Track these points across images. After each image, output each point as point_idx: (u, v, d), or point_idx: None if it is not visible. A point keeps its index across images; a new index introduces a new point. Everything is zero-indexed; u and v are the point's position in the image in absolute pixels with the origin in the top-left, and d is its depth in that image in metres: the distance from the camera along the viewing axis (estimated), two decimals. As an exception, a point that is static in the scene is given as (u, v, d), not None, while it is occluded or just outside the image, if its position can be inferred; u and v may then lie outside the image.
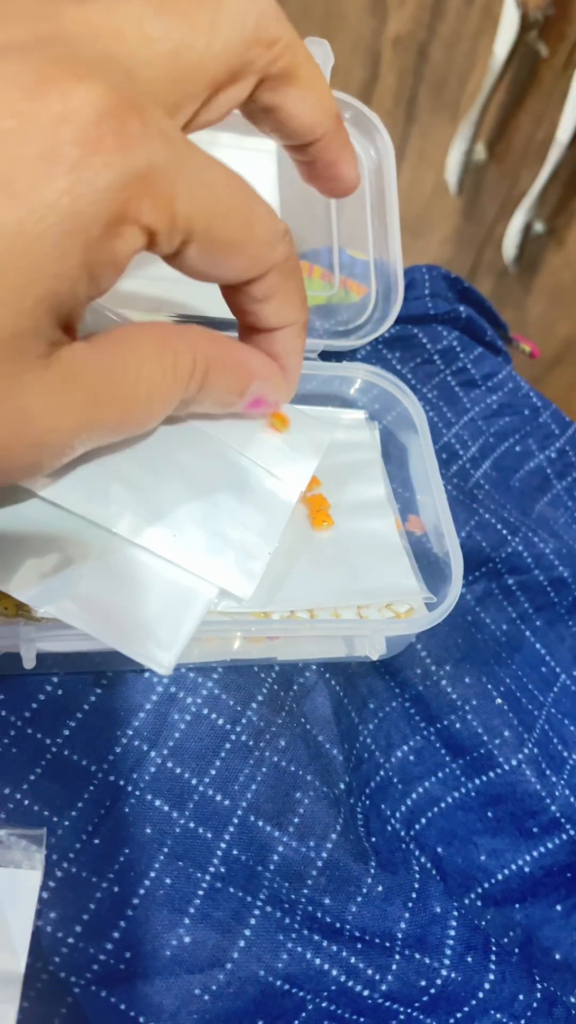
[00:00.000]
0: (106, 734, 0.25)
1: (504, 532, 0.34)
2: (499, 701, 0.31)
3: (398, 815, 0.30)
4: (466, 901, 0.29)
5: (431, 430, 0.35)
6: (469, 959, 0.26)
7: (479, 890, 0.30)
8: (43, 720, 0.25)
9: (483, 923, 0.29)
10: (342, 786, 0.28)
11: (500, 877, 0.30)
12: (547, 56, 0.58)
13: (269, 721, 0.27)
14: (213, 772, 0.25)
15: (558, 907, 0.30)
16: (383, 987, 0.25)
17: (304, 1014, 0.25)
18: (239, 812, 0.25)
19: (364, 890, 0.26)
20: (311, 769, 0.27)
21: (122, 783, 0.25)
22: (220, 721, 0.26)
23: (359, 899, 0.26)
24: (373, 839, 0.28)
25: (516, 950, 0.29)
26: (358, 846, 0.27)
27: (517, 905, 0.30)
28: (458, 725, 0.30)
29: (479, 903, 0.30)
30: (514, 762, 0.30)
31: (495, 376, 0.37)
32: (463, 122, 0.63)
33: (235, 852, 0.25)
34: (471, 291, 0.40)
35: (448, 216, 0.71)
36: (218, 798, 0.25)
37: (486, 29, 0.61)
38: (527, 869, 0.30)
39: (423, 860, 0.29)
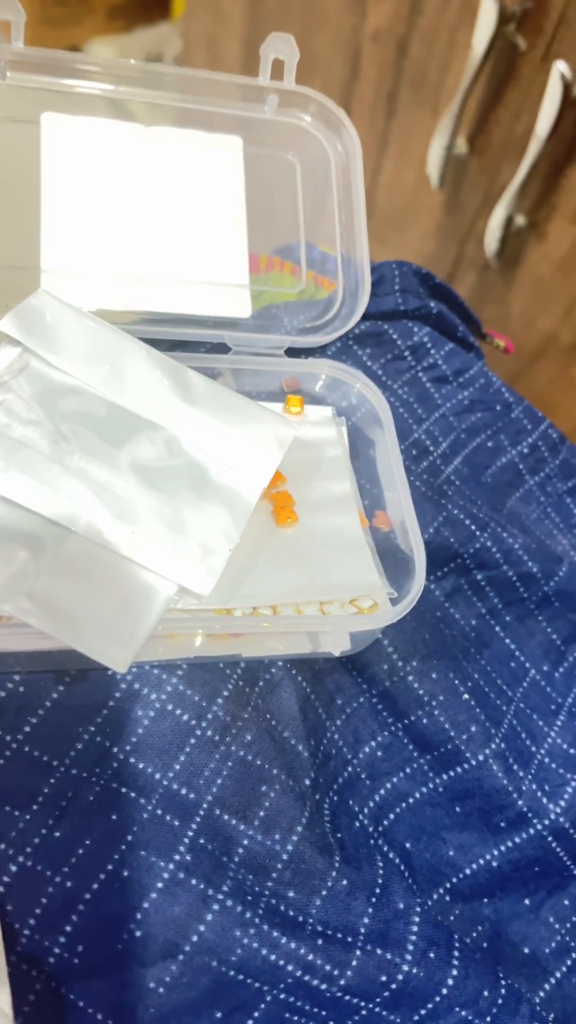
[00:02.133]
0: (68, 730, 0.25)
1: (473, 528, 0.34)
2: (466, 697, 0.31)
3: (366, 811, 0.30)
4: (434, 896, 0.29)
5: (401, 426, 0.35)
6: (431, 955, 0.26)
7: (447, 885, 0.30)
8: (3, 717, 0.25)
9: (451, 918, 0.29)
10: (307, 781, 0.28)
11: (468, 872, 0.30)
12: (525, 50, 0.58)
13: (235, 716, 0.27)
14: (177, 767, 0.25)
15: (526, 901, 0.30)
16: (341, 982, 0.25)
17: (263, 1005, 0.25)
18: (204, 806, 0.25)
19: (328, 883, 0.26)
20: (277, 763, 0.27)
21: (85, 775, 0.25)
22: (185, 717, 0.26)
23: (323, 892, 0.26)
24: (340, 834, 0.28)
25: (484, 945, 0.29)
26: (323, 840, 0.27)
27: (485, 900, 0.30)
28: (425, 720, 0.30)
29: (447, 898, 0.30)
30: (481, 757, 0.30)
31: (466, 372, 0.37)
32: (443, 116, 0.63)
33: (202, 841, 0.25)
34: (443, 287, 0.40)
35: (430, 210, 0.71)
36: (183, 792, 0.25)
37: (465, 23, 0.60)
38: (495, 864, 0.30)
39: (391, 855, 0.29)
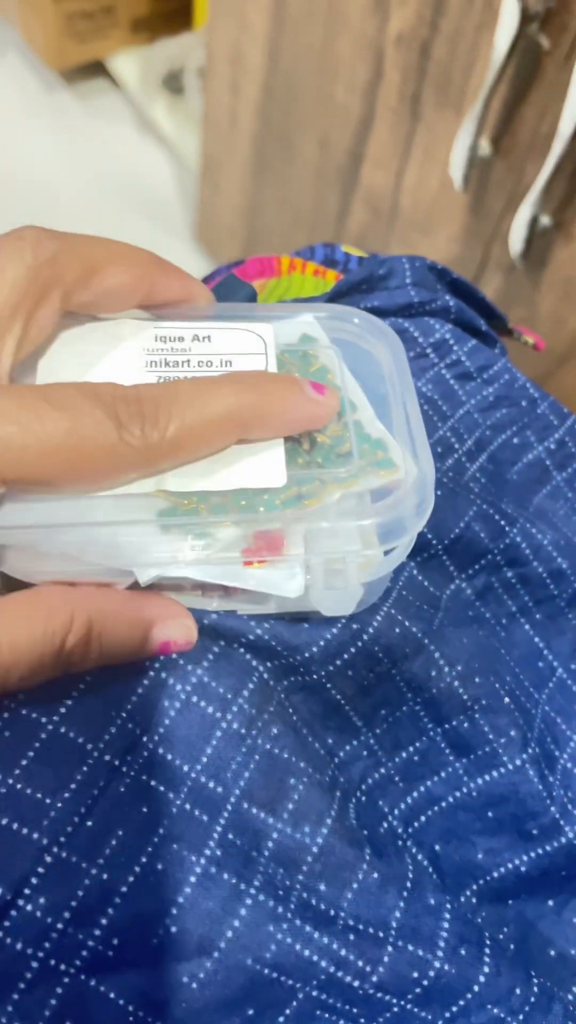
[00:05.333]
0: (103, 714, 0.25)
1: (503, 523, 0.33)
2: (507, 700, 0.31)
3: (396, 812, 0.30)
4: (461, 898, 0.29)
5: (427, 423, 0.34)
6: (463, 951, 0.26)
7: (474, 887, 0.29)
8: (37, 696, 0.25)
9: (479, 920, 0.29)
10: (328, 777, 0.27)
11: (496, 875, 0.30)
12: (549, 49, 0.57)
13: (260, 709, 0.26)
14: (204, 760, 0.25)
15: (550, 902, 0.30)
16: (374, 978, 0.25)
17: (295, 1003, 0.25)
18: (232, 800, 0.25)
19: (360, 876, 0.26)
20: (303, 757, 0.27)
21: (116, 763, 0.25)
22: (210, 709, 0.26)
23: (355, 885, 0.25)
24: (366, 831, 0.28)
25: (512, 946, 0.29)
26: (353, 834, 0.27)
27: (511, 901, 0.29)
28: (466, 725, 0.30)
29: (474, 900, 0.29)
30: (518, 762, 0.30)
31: (491, 368, 0.37)
32: (467, 117, 0.62)
33: (231, 836, 0.25)
34: (461, 283, 0.39)
35: (455, 212, 0.71)
36: (211, 785, 0.25)
37: (487, 24, 0.60)
38: (523, 868, 0.30)
39: (419, 856, 0.29)
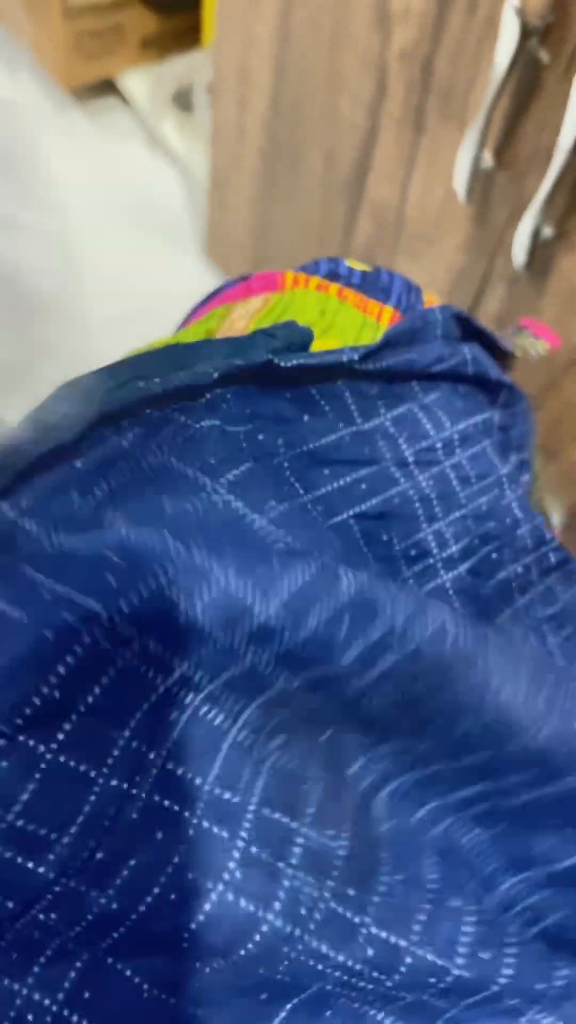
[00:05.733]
0: (104, 736, 0.25)
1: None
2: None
3: (444, 806, 0.29)
4: (500, 889, 0.28)
5: (407, 525, 0.34)
6: (483, 956, 0.26)
7: (507, 884, 0.29)
8: (33, 726, 0.24)
9: (507, 915, 0.28)
10: (353, 769, 0.27)
11: (550, 871, 0.29)
12: (548, 63, 0.58)
13: (269, 719, 0.26)
14: (216, 771, 0.25)
15: None
16: (388, 984, 0.25)
17: (309, 991, 0.25)
18: (251, 807, 0.25)
19: (384, 879, 0.26)
20: (316, 762, 0.27)
21: (125, 787, 0.24)
22: (217, 721, 0.26)
23: (381, 889, 0.25)
24: (386, 826, 0.28)
25: (545, 941, 0.28)
26: (375, 838, 0.27)
27: (556, 889, 0.29)
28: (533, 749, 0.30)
29: (512, 892, 0.29)
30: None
31: (487, 478, 0.37)
32: (469, 130, 0.63)
33: (254, 850, 0.25)
34: (479, 329, 0.40)
35: (459, 224, 0.72)
36: (226, 796, 0.25)
37: (488, 38, 0.61)
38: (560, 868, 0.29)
39: (451, 855, 0.29)
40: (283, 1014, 0.24)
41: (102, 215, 1.28)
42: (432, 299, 0.45)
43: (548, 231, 0.63)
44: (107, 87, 1.39)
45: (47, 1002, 0.22)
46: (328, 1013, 0.25)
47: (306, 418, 0.34)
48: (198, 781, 0.25)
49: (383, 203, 0.80)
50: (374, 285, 0.43)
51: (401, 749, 0.28)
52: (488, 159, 0.66)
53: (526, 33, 0.58)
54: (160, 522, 0.26)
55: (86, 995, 0.23)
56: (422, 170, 0.73)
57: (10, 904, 0.23)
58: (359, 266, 0.44)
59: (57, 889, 0.23)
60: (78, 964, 0.23)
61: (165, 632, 0.24)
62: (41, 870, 0.23)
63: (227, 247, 1.13)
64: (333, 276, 0.44)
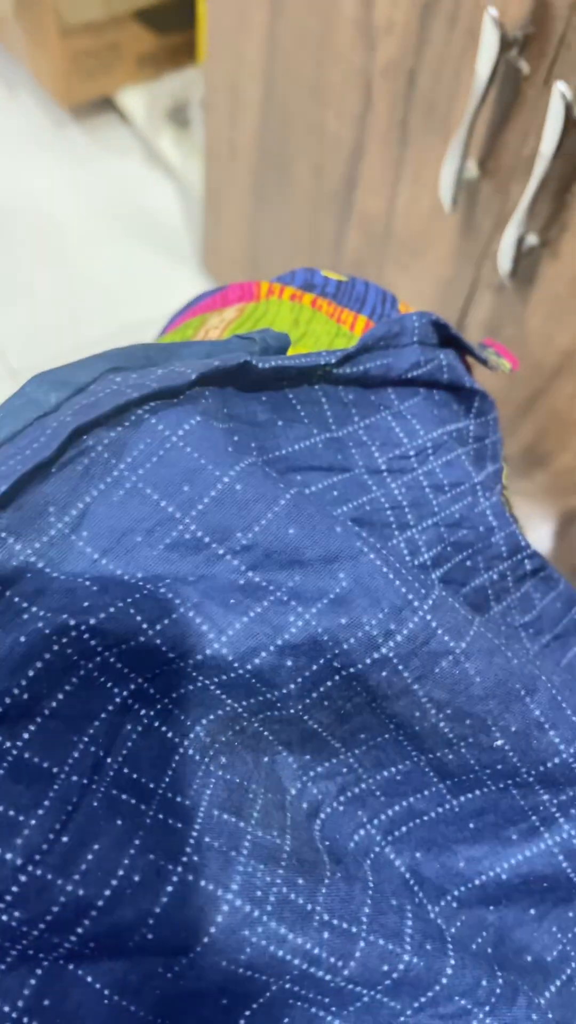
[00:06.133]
0: (65, 740, 0.26)
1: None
2: (500, 743, 0.30)
3: (376, 822, 0.30)
4: (441, 903, 0.30)
5: (383, 531, 0.34)
6: (428, 946, 0.26)
7: (456, 892, 0.30)
8: (3, 725, 0.26)
9: (457, 924, 0.29)
10: (293, 791, 0.28)
11: (477, 883, 0.30)
12: (528, 73, 0.59)
13: (215, 738, 0.27)
14: (167, 780, 0.26)
15: (532, 911, 0.30)
16: (345, 972, 0.26)
17: (268, 994, 0.26)
18: (202, 809, 0.26)
19: (327, 874, 0.26)
20: (256, 780, 0.28)
21: (86, 781, 0.25)
22: (170, 734, 0.26)
23: (326, 881, 0.26)
24: (327, 842, 0.28)
25: (488, 950, 0.29)
26: (312, 844, 0.27)
27: (491, 907, 0.30)
28: (451, 756, 0.31)
29: (454, 904, 0.30)
30: (501, 785, 0.30)
31: (460, 485, 0.37)
32: (452, 141, 0.64)
33: (207, 839, 0.25)
34: (455, 337, 0.40)
35: (445, 234, 0.72)
36: (178, 799, 0.26)
37: (469, 50, 0.62)
38: (504, 876, 0.30)
39: (397, 864, 0.30)
40: (242, 1022, 0.25)
41: (101, 228, 1.29)
42: (407, 308, 0.45)
43: (532, 239, 0.64)
44: (105, 104, 1.41)
45: (7, 1009, 0.23)
46: (286, 1021, 0.25)
47: (280, 423, 0.34)
48: (151, 785, 0.26)
49: (371, 215, 0.80)
50: (348, 295, 0.43)
51: (334, 770, 0.29)
52: (472, 169, 0.66)
53: (506, 44, 0.58)
54: (129, 552, 0.27)
55: (46, 1002, 0.23)
56: (408, 182, 0.74)
57: None
58: (335, 276, 0.45)
59: (23, 878, 0.23)
60: (38, 971, 0.23)
61: (126, 650, 0.26)
62: (8, 856, 0.23)
63: (223, 260, 1.14)
64: (308, 286, 0.44)
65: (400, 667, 0.28)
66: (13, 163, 1.34)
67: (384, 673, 0.28)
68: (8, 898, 0.23)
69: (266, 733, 0.28)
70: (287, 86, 0.82)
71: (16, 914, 0.23)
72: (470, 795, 0.30)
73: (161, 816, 0.25)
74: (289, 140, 0.86)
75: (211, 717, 0.27)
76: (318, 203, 0.87)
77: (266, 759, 0.28)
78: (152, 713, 0.26)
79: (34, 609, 0.25)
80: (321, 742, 0.30)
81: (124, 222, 1.30)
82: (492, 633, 0.30)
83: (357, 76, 0.73)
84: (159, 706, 0.27)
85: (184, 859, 0.25)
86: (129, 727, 0.26)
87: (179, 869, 0.25)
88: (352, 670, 0.28)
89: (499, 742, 0.30)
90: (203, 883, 0.25)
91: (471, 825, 0.30)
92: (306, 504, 0.28)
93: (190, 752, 0.26)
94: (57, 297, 1.21)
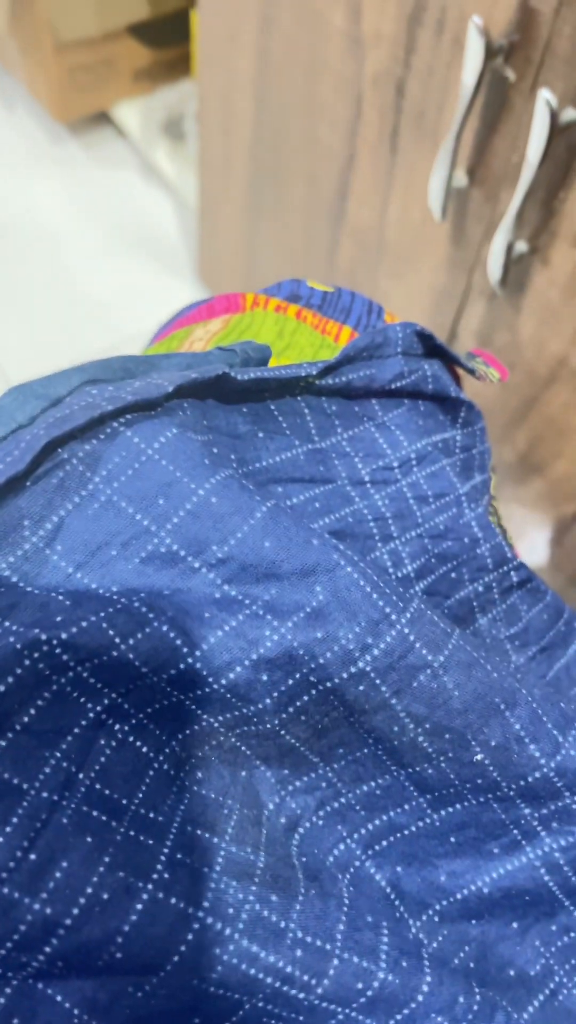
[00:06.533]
0: (36, 755, 0.25)
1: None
2: (479, 757, 0.30)
3: (356, 836, 0.30)
4: (423, 918, 0.29)
5: (365, 542, 0.34)
6: (404, 963, 0.26)
7: (437, 907, 0.30)
8: None
9: (439, 939, 0.29)
10: (271, 806, 0.28)
11: (459, 896, 0.30)
12: (514, 81, 0.59)
13: (191, 753, 0.27)
14: (140, 795, 0.26)
15: (514, 924, 0.30)
16: (319, 990, 0.25)
17: (241, 1012, 0.25)
18: (175, 826, 0.26)
19: (302, 891, 0.26)
20: (232, 795, 0.27)
21: (56, 798, 0.25)
22: (144, 748, 0.26)
23: (300, 898, 0.26)
24: (304, 858, 0.28)
25: (471, 965, 0.29)
26: (287, 860, 0.27)
27: (474, 921, 0.30)
28: (431, 771, 0.30)
29: (436, 919, 0.30)
30: (483, 799, 0.30)
31: (445, 496, 0.37)
32: (440, 150, 0.64)
33: (179, 856, 0.25)
34: (439, 347, 0.40)
35: (437, 243, 0.72)
36: (151, 815, 0.26)
37: (456, 59, 0.62)
38: (486, 890, 0.30)
39: (378, 878, 0.29)
40: None
41: (99, 241, 1.29)
42: (393, 319, 0.45)
43: (522, 247, 0.64)
44: (101, 118, 1.42)
45: None
46: None
47: (261, 435, 0.34)
48: (124, 801, 0.25)
49: (364, 225, 0.80)
50: (334, 306, 0.43)
51: (313, 784, 0.29)
52: (461, 178, 0.66)
53: (492, 52, 0.58)
54: (104, 565, 0.27)
55: (15, 1021, 0.23)
56: (399, 192, 0.74)
57: None
58: (321, 287, 0.45)
59: None
60: (7, 989, 0.23)
61: (99, 664, 0.25)
62: None
63: (219, 271, 1.14)
64: (294, 298, 0.44)
65: (377, 681, 0.27)
66: (10, 178, 1.35)
67: (361, 687, 0.28)
68: None
69: (243, 747, 0.28)
70: (279, 98, 0.83)
71: None
72: (451, 809, 0.30)
73: (132, 832, 0.25)
74: (282, 151, 0.87)
75: (187, 732, 0.27)
76: (311, 213, 0.87)
77: (243, 773, 0.28)
78: (127, 728, 0.26)
79: (7, 624, 0.24)
80: (299, 756, 0.29)
81: (121, 235, 1.31)
82: (471, 646, 0.29)
83: (347, 87, 0.73)
84: (134, 721, 0.26)
85: (155, 876, 0.25)
86: (103, 742, 0.26)
87: (149, 887, 0.24)
88: (329, 684, 0.27)
89: (479, 756, 0.29)
90: (173, 900, 0.25)
91: (452, 839, 0.30)
92: (283, 517, 0.28)
93: (165, 767, 0.26)
94: (55, 310, 1.21)
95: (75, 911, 0.24)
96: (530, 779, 0.29)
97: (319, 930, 0.25)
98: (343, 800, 0.30)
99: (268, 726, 0.28)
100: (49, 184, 1.36)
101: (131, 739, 0.26)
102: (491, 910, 0.29)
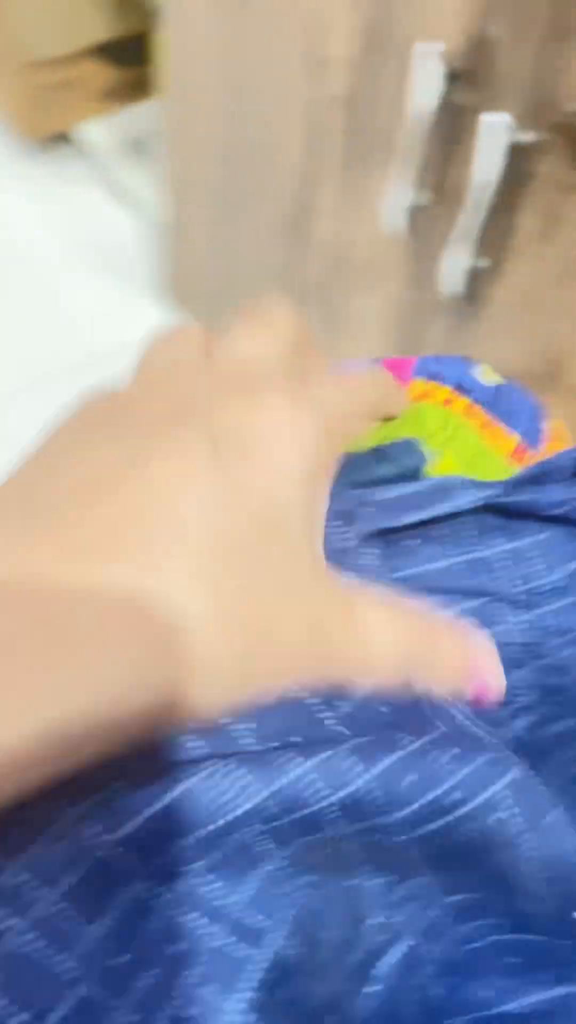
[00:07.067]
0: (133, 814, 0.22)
1: None
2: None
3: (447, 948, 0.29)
4: None
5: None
6: None
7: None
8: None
9: None
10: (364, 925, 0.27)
11: (493, 1012, 0.28)
12: (470, 104, 0.60)
13: (312, 852, 0.25)
14: (252, 892, 0.24)
15: None
16: None
17: None
18: (278, 935, 0.24)
19: None
20: (335, 908, 0.26)
21: (154, 885, 0.22)
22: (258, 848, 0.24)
23: None
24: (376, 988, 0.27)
25: None
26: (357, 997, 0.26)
27: None
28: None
29: None
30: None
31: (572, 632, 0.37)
32: (400, 169, 0.66)
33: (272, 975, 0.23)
34: None
35: (399, 259, 0.74)
36: (259, 917, 0.24)
37: (415, 82, 0.64)
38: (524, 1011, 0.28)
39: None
40: None
41: (64, 261, 1.30)
42: (558, 426, 0.43)
43: (481, 263, 0.65)
44: (66, 137, 1.42)
45: None
46: None
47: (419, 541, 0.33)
48: (233, 899, 0.23)
49: (329, 242, 0.82)
50: (501, 405, 0.41)
51: (422, 906, 0.28)
52: (420, 195, 0.68)
53: (448, 76, 0.60)
54: None
55: None
56: (360, 209, 0.75)
57: (25, 1016, 0.20)
58: (490, 377, 0.42)
59: (75, 995, 0.21)
60: None
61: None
62: (68, 965, 0.21)
63: (187, 289, 1.16)
64: (461, 389, 0.41)
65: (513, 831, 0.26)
66: (-23, 197, 1.36)
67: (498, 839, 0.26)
68: (55, 1017, 0.21)
69: (355, 847, 0.26)
70: (242, 118, 0.84)
71: None
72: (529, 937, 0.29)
73: (230, 937, 0.23)
74: (246, 170, 0.88)
75: (308, 839, 0.25)
76: (277, 231, 0.89)
77: (348, 883, 0.26)
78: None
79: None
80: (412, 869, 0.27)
81: (86, 253, 1.32)
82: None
83: (308, 107, 0.74)
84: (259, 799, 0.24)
85: (249, 993, 0.23)
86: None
87: (241, 1006, 0.22)
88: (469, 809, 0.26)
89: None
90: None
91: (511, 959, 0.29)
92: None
93: (278, 866, 0.24)
94: (22, 327, 1.22)
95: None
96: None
97: None
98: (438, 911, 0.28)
99: (390, 841, 0.26)
100: (15, 201, 1.36)
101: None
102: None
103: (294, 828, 0.24)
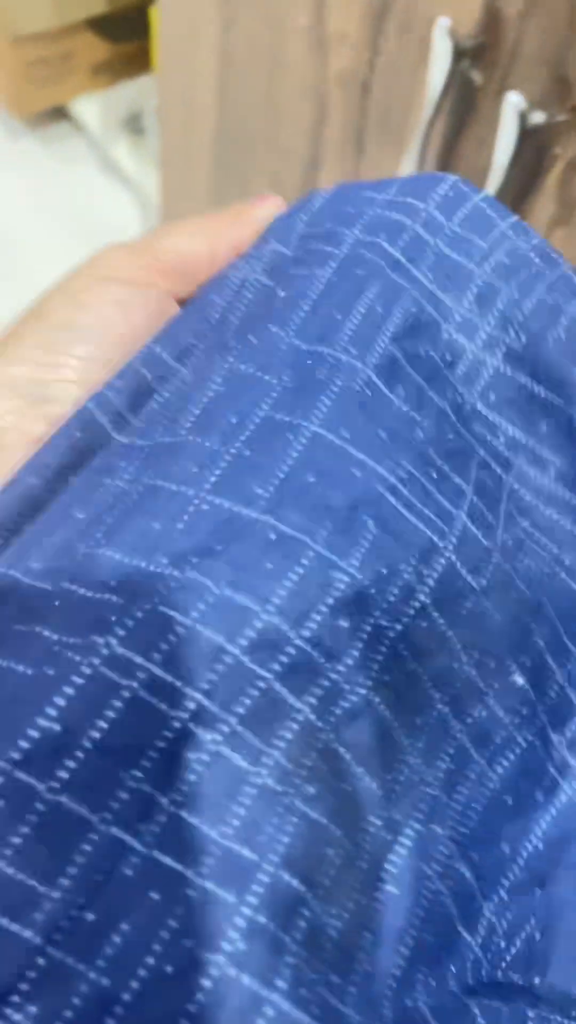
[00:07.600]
0: (112, 776, 0.21)
1: None
2: (519, 680, 0.27)
3: (448, 835, 0.27)
4: (495, 899, 0.26)
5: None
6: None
7: (505, 883, 0.26)
8: (35, 762, 0.21)
9: (507, 918, 0.26)
10: (367, 837, 0.25)
11: (520, 862, 0.26)
12: (481, 84, 0.58)
13: (298, 762, 0.23)
14: (236, 822, 0.22)
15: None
16: None
17: None
18: (268, 868, 0.22)
19: (358, 965, 0.24)
20: (340, 821, 0.24)
21: (125, 837, 0.21)
22: (240, 761, 0.22)
23: (355, 978, 0.23)
24: (408, 878, 0.26)
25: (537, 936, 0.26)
26: (377, 912, 0.25)
27: (538, 890, 0.26)
28: (484, 713, 0.27)
29: (506, 897, 0.26)
30: (529, 738, 0.28)
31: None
32: (408, 151, 0.63)
33: (261, 919, 0.21)
34: None
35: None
36: (244, 852, 0.22)
37: (423, 60, 0.61)
38: (541, 847, 0.26)
39: (464, 872, 0.27)
40: None
41: (58, 238, 1.27)
42: None
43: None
44: (59, 113, 1.39)
45: None
46: None
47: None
48: (214, 833, 0.22)
49: (330, 224, 0.80)
50: None
51: (409, 781, 0.26)
52: (428, 179, 0.66)
53: (459, 54, 0.58)
54: (149, 547, 0.23)
55: None
56: (366, 191, 0.73)
57: None
58: None
59: (41, 961, 0.20)
60: None
61: (168, 653, 0.22)
62: (27, 934, 0.20)
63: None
64: None
65: (435, 614, 0.25)
66: (-33, 174, 1.33)
67: (424, 624, 0.25)
68: (23, 987, 0.20)
69: (340, 749, 0.25)
70: (240, 96, 0.82)
71: (32, 1010, 0.20)
72: (505, 763, 0.27)
73: (210, 886, 0.21)
74: (245, 150, 0.86)
75: (288, 735, 0.23)
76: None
77: (347, 787, 0.25)
78: (219, 738, 0.22)
79: (62, 638, 0.22)
80: (393, 742, 0.26)
81: (80, 231, 1.29)
82: (507, 558, 0.27)
83: (311, 86, 0.72)
84: (225, 727, 0.22)
85: (228, 947, 0.21)
86: (190, 756, 0.22)
87: (220, 959, 0.21)
88: (399, 627, 0.25)
89: (520, 681, 0.27)
90: (246, 980, 0.21)
91: (510, 802, 0.28)
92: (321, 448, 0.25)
93: (268, 782, 0.22)
94: (13, 307, 1.19)
95: (135, 985, 0.20)
96: (552, 694, 0.27)
97: (372, 1014, 0.23)
98: (430, 790, 0.27)
99: (356, 697, 0.24)
100: (7, 180, 1.33)
101: (224, 751, 0.22)
102: (550, 871, 0.27)
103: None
